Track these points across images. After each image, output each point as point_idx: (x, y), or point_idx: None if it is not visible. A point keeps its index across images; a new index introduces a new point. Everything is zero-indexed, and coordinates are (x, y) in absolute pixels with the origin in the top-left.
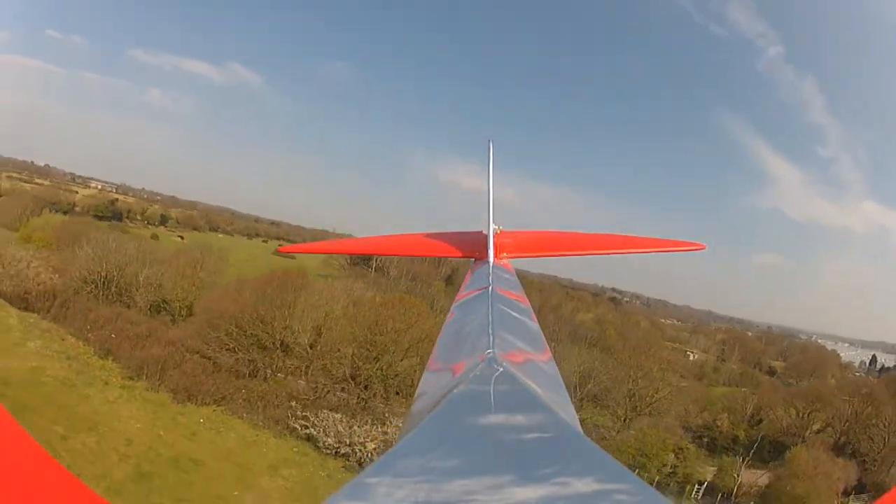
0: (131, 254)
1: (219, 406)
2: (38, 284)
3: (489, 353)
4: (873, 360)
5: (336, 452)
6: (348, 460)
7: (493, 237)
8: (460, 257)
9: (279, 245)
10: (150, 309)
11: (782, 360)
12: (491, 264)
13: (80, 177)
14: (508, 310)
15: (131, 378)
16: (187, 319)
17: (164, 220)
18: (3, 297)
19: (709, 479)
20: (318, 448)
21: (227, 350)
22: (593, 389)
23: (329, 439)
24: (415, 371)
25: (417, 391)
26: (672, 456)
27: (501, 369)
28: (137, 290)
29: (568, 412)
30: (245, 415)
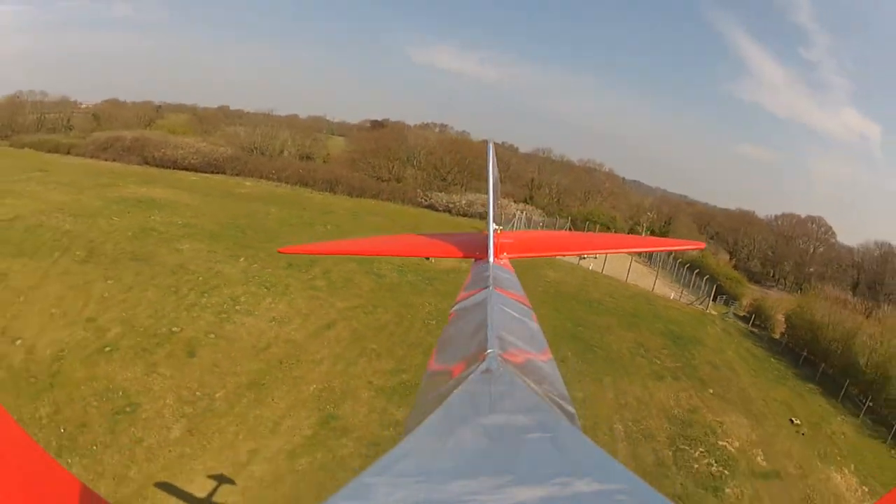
0: (262, 130)
1: (375, 198)
2: (222, 154)
3: (489, 353)
4: None
5: (447, 210)
6: (451, 212)
7: (493, 237)
8: (460, 257)
9: None
10: (299, 159)
11: None
12: (491, 264)
13: (75, 101)
14: (508, 310)
15: (321, 191)
16: (328, 162)
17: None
18: (193, 169)
19: None
20: (435, 209)
21: (368, 170)
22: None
23: (441, 203)
24: (475, 174)
25: (418, 391)
26: (605, 219)
27: (501, 369)
28: (284, 151)
29: (568, 412)
30: (390, 201)
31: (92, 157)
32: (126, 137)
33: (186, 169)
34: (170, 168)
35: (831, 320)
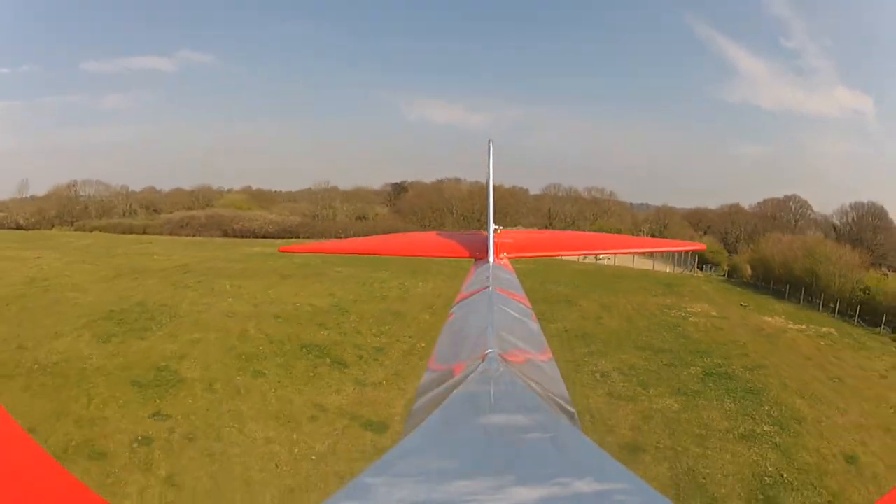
0: (321, 201)
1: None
2: (292, 222)
3: (489, 353)
4: None
5: None
6: None
7: (493, 237)
8: (460, 257)
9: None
10: (355, 219)
11: None
12: (491, 264)
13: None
14: (508, 310)
15: None
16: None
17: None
18: (271, 236)
19: None
20: None
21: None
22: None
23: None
24: (501, 212)
25: (418, 391)
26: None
27: (501, 369)
28: (336, 216)
29: (568, 412)
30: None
31: (171, 234)
32: (200, 216)
33: (264, 237)
34: (249, 237)
35: (776, 253)
